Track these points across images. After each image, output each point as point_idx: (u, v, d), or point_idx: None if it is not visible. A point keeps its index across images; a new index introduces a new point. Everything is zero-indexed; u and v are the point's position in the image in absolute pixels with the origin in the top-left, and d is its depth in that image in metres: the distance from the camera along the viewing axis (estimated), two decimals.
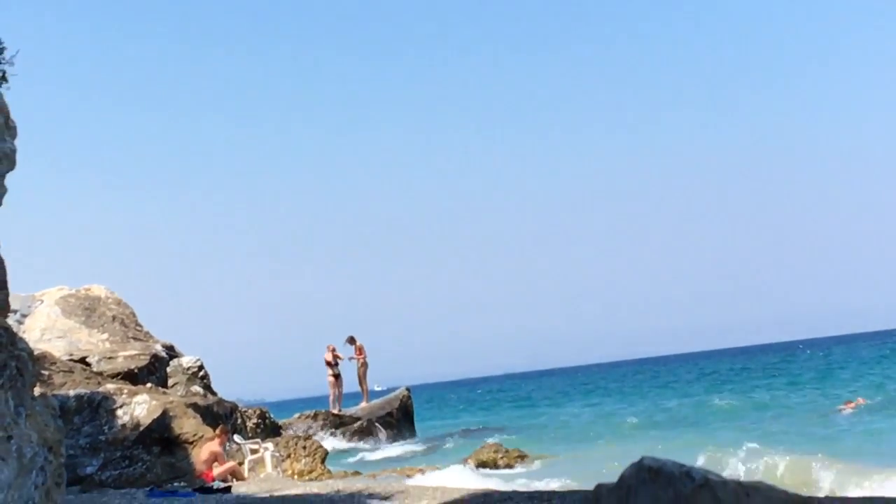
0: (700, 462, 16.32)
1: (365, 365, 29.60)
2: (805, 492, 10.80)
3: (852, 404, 28.45)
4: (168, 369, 23.66)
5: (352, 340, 29.71)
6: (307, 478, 18.33)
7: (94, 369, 21.94)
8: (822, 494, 12.40)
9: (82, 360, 22.19)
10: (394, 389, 31.70)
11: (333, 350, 29.16)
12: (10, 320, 7.73)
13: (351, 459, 24.73)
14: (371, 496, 13.09)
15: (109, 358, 22.68)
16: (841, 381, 41.96)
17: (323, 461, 19.45)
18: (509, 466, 21.17)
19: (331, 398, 29.29)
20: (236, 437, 19.15)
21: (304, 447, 19.36)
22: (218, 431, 17.74)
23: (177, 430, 18.35)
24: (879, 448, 19.65)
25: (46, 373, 19.07)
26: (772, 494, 3.58)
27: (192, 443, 18.18)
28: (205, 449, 17.21)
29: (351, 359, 29.49)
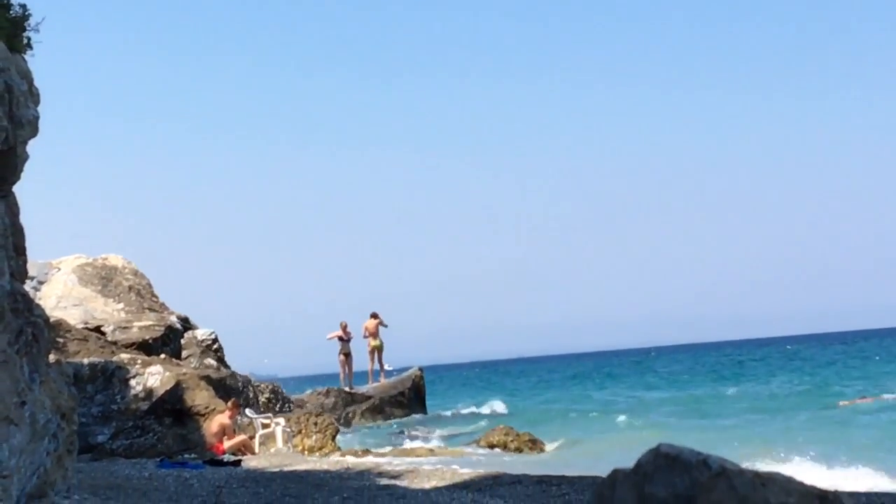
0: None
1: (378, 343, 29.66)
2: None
3: (869, 399, 28.49)
4: (182, 341, 23.74)
5: (374, 316, 29.78)
6: (317, 454, 18.39)
7: (109, 339, 22.07)
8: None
9: (97, 329, 22.32)
10: (405, 370, 31.69)
11: (345, 327, 29.17)
12: (27, 287, 7.74)
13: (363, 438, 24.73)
14: (380, 474, 13.12)
15: (124, 328, 22.79)
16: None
17: (333, 438, 19.50)
18: (519, 450, 21.12)
19: (341, 376, 29.34)
20: (248, 411, 19.21)
21: (315, 423, 19.40)
22: (229, 405, 17.80)
23: (189, 402, 18.43)
24: None
25: (61, 340, 19.18)
26: (788, 485, 3.54)
27: (203, 415, 18.26)
28: (215, 421, 17.30)
29: (365, 337, 29.53)
